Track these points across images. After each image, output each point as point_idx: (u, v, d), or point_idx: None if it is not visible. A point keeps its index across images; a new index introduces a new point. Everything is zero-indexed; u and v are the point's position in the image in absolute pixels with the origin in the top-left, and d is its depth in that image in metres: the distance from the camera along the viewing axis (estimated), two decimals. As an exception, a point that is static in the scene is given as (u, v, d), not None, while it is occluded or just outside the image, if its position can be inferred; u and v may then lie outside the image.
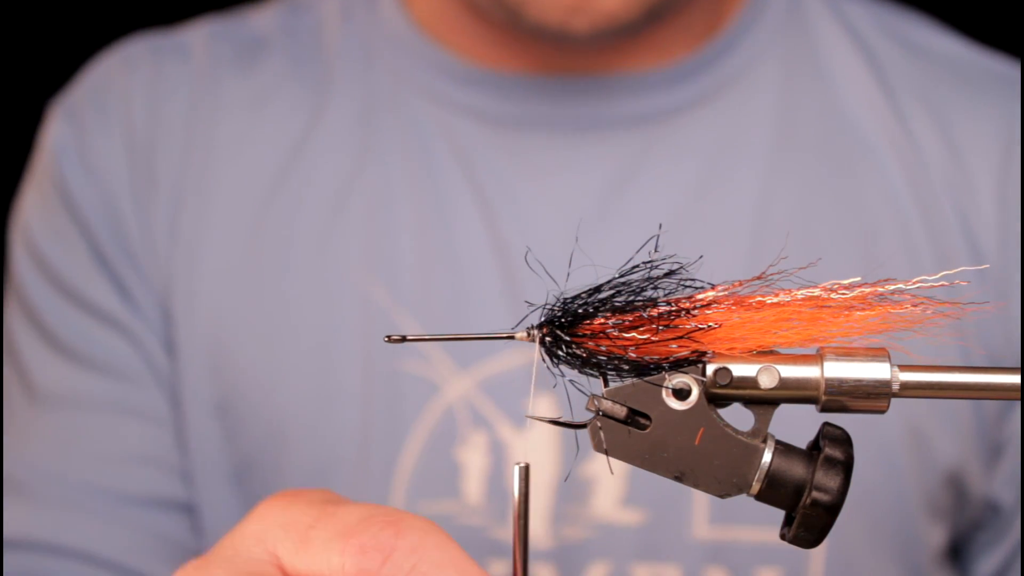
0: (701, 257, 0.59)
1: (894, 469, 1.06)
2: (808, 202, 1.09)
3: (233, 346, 1.08)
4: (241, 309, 1.09)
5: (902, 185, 1.08)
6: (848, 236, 1.08)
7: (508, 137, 1.09)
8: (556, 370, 0.59)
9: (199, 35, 1.18)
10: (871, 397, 0.58)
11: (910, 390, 0.58)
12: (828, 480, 0.57)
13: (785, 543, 0.59)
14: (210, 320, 1.09)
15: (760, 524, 1.04)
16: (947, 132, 1.09)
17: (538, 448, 1.06)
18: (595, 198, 1.08)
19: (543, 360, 0.60)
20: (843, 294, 0.59)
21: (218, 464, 1.09)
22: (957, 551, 1.16)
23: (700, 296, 0.59)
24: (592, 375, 0.59)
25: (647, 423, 0.58)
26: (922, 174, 1.08)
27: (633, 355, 0.58)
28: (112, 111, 1.14)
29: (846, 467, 0.58)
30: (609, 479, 1.05)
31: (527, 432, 1.06)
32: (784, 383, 0.58)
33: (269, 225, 1.10)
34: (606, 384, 0.59)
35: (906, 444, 1.06)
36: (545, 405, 1.02)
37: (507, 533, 1.06)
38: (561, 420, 0.61)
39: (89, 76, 1.17)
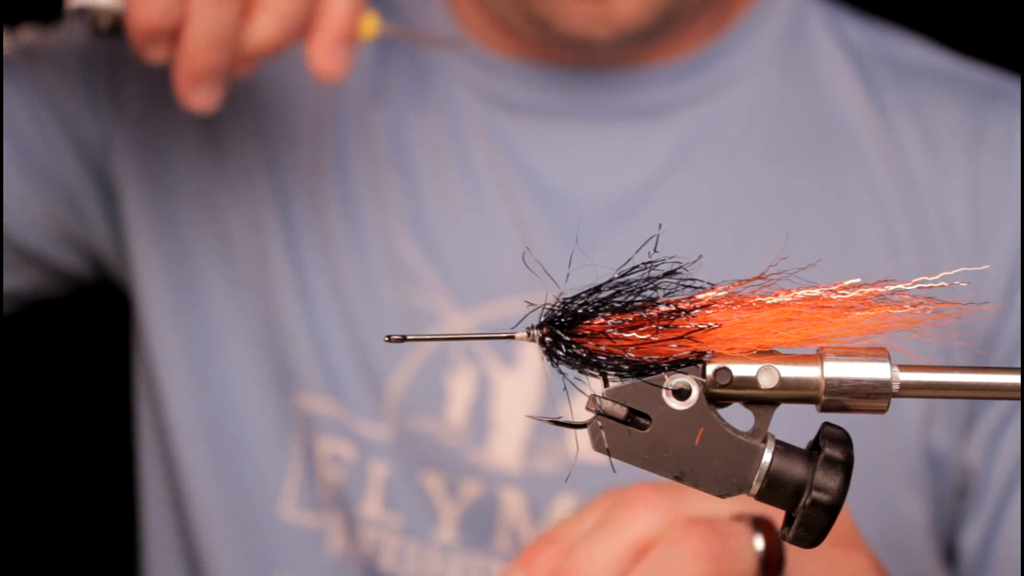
0: (701, 257, 0.60)
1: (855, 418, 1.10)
2: (795, 195, 1.16)
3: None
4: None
5: (884, 177, 1.15)
6: (832, 232, 1.14)
7: (531, 121, 1.20)
8: (556, 370, 0.60)
9: None
10: (871, 397, 0.58)
11: (910, 390, 0.58)
12: (828, 480, 0.57)
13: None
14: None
15: None
16: (925, 129, 1.17)
17: (523, 386, 1.15)
18: (606, 178, 1.18)
19: (543, 360, 0.60)
20: (843, 294, 0.59)
21: (255, 372, 1.23)
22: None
23: (700, 296, 0.59)
24: (592, 375, 0.59)
25: (647, 423, 0.58)
26: (903, 166, 1.15)
27: (633, 355, 0.58)
28: None
29: (846, 467, 0.58)
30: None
31: (514, 371, 1.15)
32: (784, 383, 0.58)
33: (323, 190, 1.23)
34: (606, 384, 0.59)
35: None
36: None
37: (480, 457, 1.15)
38: (561, 420, 0.61)
39: None
